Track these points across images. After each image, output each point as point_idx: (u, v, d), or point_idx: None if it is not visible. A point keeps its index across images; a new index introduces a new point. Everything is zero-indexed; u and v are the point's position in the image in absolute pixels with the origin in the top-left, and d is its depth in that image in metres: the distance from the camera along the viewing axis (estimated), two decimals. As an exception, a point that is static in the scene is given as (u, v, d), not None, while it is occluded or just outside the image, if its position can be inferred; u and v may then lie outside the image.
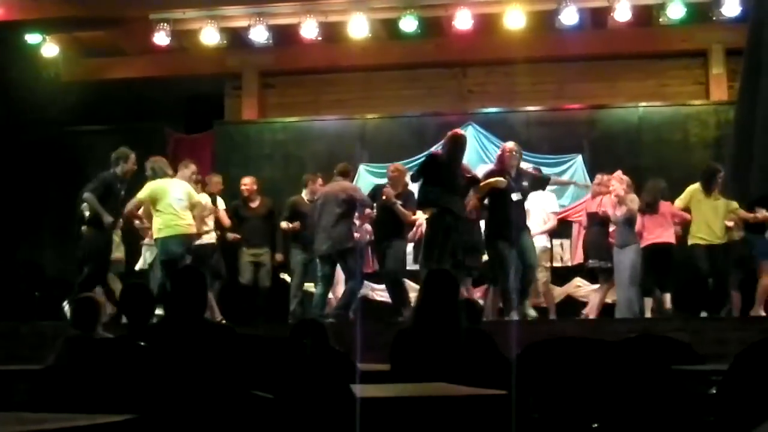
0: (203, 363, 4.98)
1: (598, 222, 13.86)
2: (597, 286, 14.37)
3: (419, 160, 16.20)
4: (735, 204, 12.99)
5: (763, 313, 12.96)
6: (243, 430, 4.07)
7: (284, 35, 16.68)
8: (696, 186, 13.39)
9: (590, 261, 14.13)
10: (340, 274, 13.93)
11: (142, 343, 5.81)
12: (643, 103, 16.77)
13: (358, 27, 15.98)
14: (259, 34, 16.18)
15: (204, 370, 4.78)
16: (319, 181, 14.62)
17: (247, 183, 14.93)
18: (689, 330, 10.80)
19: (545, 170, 15.00)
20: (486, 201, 12.98)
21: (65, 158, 18.25)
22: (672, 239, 13.47)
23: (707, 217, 13.28)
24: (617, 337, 7.87)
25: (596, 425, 4.43)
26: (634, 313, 13.03)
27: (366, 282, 15.22)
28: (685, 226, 13.58)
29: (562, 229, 15.74)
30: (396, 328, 6.70)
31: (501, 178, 12.70)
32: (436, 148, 15.72)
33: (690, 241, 13.40)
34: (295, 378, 4.62)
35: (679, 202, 13.52)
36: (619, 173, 13.68)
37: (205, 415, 4.11)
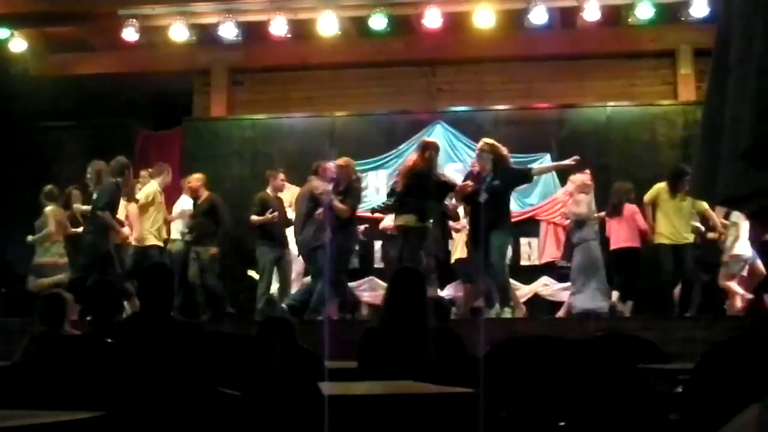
0: (170, 360, 4.97)
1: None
2: (563, 285, 14.48)
3: (388, 158, 16.26)
4: (704, 205, 13.06)
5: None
6: (210, 427, 4.06)
7: (253, 32, 16.65)
8: (663, 185, 13.44)
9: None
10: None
11: (109, 341, 5.79)
12: (612, 103, 16.81)
13: (328, 24, 15.96)
14: (229, 31, 16.17)
15: (171, 367, 4.77)
16: (281, 176, 14.65)
17: (191, 180, 15.00)
18: (655, 329, 10.86)
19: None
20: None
21: (33, 154, 18.17)
22: (637, 243, 13.58)
23: (672, 216, 13.35)
24: (585, 335, 7.91)
25: (563, 423, 4.44)
26: (590, 307, 13.14)
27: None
28: (644, 237, 13.69)
29: (529, 227, 15.81)
30: (364, 326, 6.71)
31: (467, 183, 12.77)
32: (406, 146, 15.81)
33: (656, 240, 13.47)
34: (263, 375, 4.62)
35: (646, 197, 13.59)
36: (576, 175, 13.78)
37: (171, 412, 4.10)
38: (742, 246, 13.46)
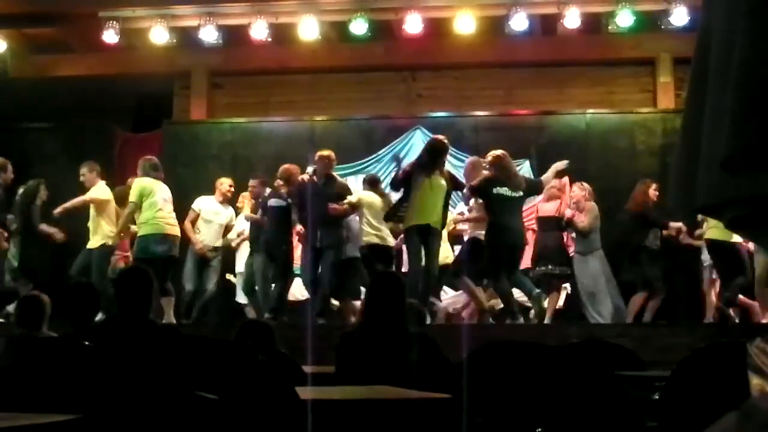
0: (148, 363, 4.96)
1: (554, 226, 13.71)
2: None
3: (367, 163, 16.28)
4: None
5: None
6: (187, 431, 4.05)
7: (234, 35, 16.65)
8: None
9: (549, 266, 14.00)
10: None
11: (87, 343, 5.77)
12: (591, 110, 16.87)
13: (309, 29, 15.96)
14: (209, 34, 16.14)
15: (149, 370, 4.76)
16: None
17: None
18: (632, 336, 10.89)
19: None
20: None
21: (11, 156, 18.07)
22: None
23: None
24: (562, 342, 7.92)
25: (540, 430, 4.44)
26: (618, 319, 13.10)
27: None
28: None
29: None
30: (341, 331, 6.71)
31: None
32: (385, 151, 15.83)
33: None
34: (240, 380, 4.61)
35: None
36: (569, 181, 13.79)
37: (149, 415, 4.09)
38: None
